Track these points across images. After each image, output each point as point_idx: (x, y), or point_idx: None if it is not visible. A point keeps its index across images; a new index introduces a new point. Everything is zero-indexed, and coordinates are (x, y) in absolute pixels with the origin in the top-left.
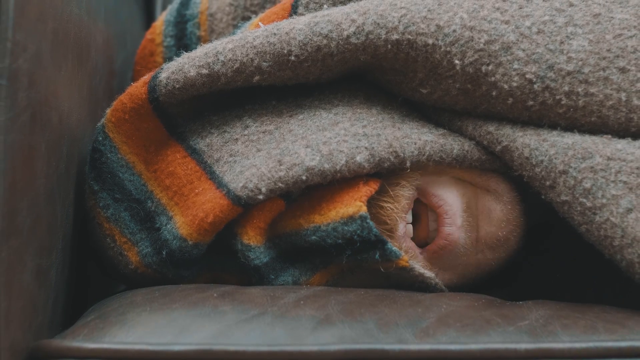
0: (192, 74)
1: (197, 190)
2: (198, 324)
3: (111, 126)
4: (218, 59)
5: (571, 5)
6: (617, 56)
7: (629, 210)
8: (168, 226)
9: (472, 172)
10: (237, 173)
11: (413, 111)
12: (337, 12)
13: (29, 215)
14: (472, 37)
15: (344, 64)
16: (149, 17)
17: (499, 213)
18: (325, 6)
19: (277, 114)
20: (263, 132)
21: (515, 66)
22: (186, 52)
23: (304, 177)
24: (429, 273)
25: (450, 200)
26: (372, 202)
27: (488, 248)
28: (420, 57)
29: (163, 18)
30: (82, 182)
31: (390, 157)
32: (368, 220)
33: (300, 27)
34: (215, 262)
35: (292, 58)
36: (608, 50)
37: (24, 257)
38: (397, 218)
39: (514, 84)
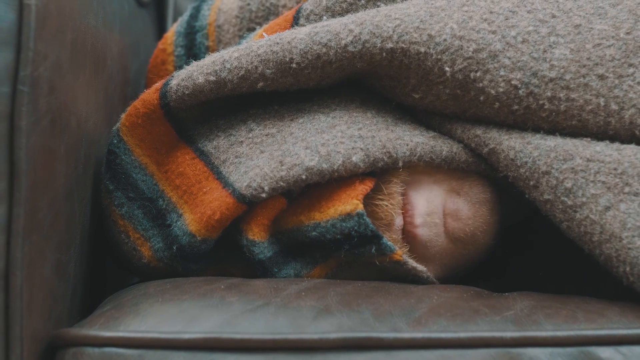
0: (200, 80)
1: (205, 190)
2: (206, 314)
3: (125, 130)
4: (225, 67)
5: (554, 16)
6: (596, 64)
7: (607, 208)
8: (178, 223)
9: (451, 176)
10: (242, 173)
11: (405, 115)
12: (335, 23)
13: (49, 212)
14: (462, 45)
15: (342, 70)
16: (161, 29)
17: (467, 212)
18: (324, 17)
19: (279, 118)
20: (266, 135)
21: (502, 73)
22: (195, 61)
23: (303, 177)
24: (421, 267)
25: (416, 202)
26: (367, 200)
27: (458, 241)
28: (413, 64)
29: (174, 29)
30: (99, 182)
31: (384, 157)
32: (365, 217)
33: (301, 36)
34: (222, 256)
35: (294, 65)
36: (588, 59)
37: (44, 251)
38: (394, 213)
39: (500, 90)
